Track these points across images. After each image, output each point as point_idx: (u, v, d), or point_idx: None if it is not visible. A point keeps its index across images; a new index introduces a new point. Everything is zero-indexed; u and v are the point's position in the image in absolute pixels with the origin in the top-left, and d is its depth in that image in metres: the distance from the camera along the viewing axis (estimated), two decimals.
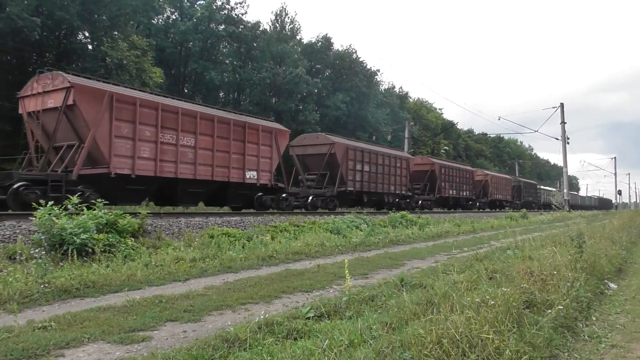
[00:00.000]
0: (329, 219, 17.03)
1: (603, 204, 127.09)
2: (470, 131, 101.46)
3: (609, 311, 6.68)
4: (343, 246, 12.88)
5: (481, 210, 43.45)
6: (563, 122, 46.14)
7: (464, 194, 41.44)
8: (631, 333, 5.63)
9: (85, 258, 8.70)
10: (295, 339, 4.49)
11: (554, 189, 76.30)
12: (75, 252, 8.47)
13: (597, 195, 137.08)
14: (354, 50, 61.75)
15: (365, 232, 15.48)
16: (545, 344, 4.49)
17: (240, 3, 50.12)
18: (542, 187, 72.21)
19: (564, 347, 4.88)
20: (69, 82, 13.82)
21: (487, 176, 48.49)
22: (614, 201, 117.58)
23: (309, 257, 10.96)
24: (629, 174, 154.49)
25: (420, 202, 33.59)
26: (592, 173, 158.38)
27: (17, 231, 9.96)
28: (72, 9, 30.41)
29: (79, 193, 12.17)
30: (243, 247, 11.23)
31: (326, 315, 5.33)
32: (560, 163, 48.92)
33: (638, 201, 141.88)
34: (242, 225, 14.48)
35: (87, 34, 35.45)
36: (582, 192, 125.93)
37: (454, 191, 39.22)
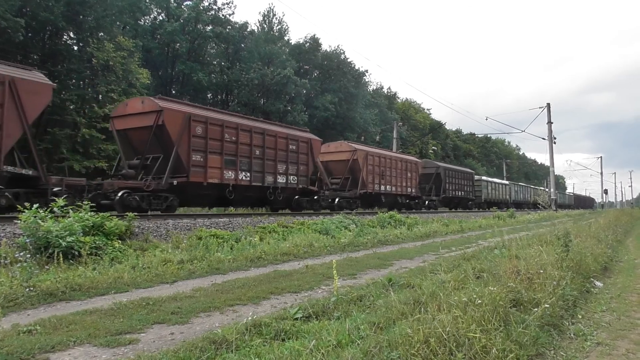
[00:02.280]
0: (318, 220, 17.03)
1: (581, 202, 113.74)
2: (458, 131, 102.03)
3: (594, 309, 6.74)
4: (332, 247, 12.88)
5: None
6: (550, 122, 46.59)
7: (284, 180, 21.90)
8: (616, 330, 5.68)
9: (71, 261, 8.62)
10: (283, 339, 4.48)
11: (505, 182, 64.10)
12: (61, 255, 8.40)
13: (573, 192, 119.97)
14: (342, 51, 61.89)
15: (354, 233, 15.49)
16: (531, 342, 4.52)
17: (228, 4, 50.01)
18: (484, 178, 55.95)
19: (550, 345, 4.91)
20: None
21: (354, 153, 27.75)
22: (598, 200, 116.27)
23: (298, 258, 10.94)
24: (614, 173, 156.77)
25: (120, 194, 15.70)
26: (579, 173, 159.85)
27: (2, 234, 9.84)
28: (56, 10, 30.10)
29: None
30: (231, 249, 11.20)
31: (314, 316, 5.33)
32: (548, 163, 49.34)
33: (624, 200, 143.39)
34: (230, 226, 14.43)
35: (72, 35, 35.12)
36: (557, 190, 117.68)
37: (245, 175, 19.63)
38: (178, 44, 44.83)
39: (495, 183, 57.26)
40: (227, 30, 48.82)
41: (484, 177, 55.84)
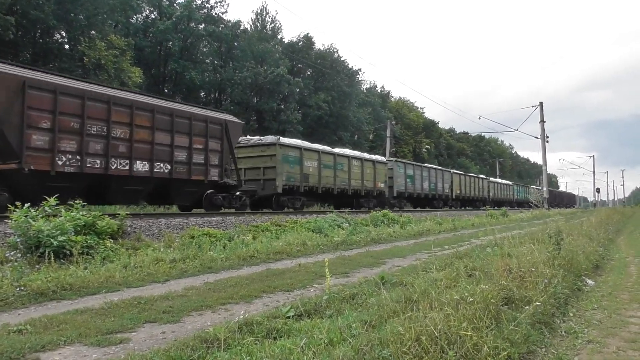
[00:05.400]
0: (311, 219, 17.03)
1: (556, 199, 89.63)
2: (451, 130, 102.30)
3: (586, 307, 6.76)
4: (325, 245, 12.88)
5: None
6: (542, 121, 46.82)
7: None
8: (607, 328, 5.70)
9: (62, 260, 8.56)
10: (275, 338, 4.48)
11: (379, 158, 32.27)
12: (52, 254, 8.33)
13: (545, 187, 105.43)
14: (335, 50, 61.96)
15: (347, 231, 15.48)
16: (522, 340, 4.53)
17: (220, 2, 49.94)
18: (291, 141, 24.55)
19: (542, 342, 4.92)
20: None
21: None
22: (591, 199, 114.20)
23: (291, 257, 10.93)
24: (607, 172, 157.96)
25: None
26: (572, 171, 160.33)
27: None
28: (47, 8, 29.95)
29: None
30: (224, 247, 11.16)
31: (306, 314, 5.33)
32: (540, 161, 49.50)
33: (616, 199, 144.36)
34: (223, 225, 14.38)
35: (63, 34, 34.95)
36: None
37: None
38: (170, 43, 44.66)
39: (336, 156, 26.80)
40: (220, 28, 48.73)
41: (286, 140, 24.28)
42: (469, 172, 58.01)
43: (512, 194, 63.18)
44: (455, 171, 46.40)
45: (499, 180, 62.52)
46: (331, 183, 25.79)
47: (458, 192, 44.21)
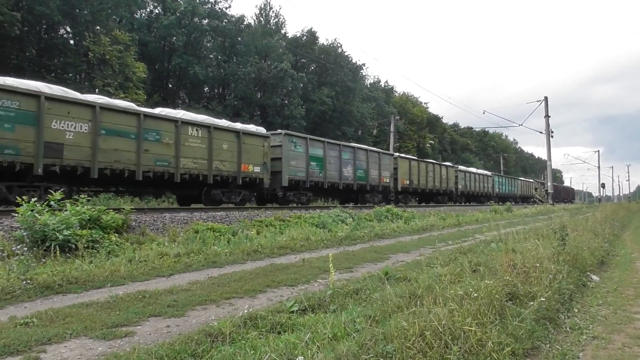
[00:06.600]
0: (315, 214, 17.03)
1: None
2: (455, 125, 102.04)
3: (591, 303, 6.75)
4: (328, 240, 12.90)
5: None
6: (547, 116, 46.63)
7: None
8: (612, 324, 5.69)
9: (68, 254, 8.61)
10: (279, 332, 4.49)
11: (251, 129, 20.47)
12: (58, 248, 8.38)
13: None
14: (339, 45, 61.82)
15: (350, 226, 15.49)
16: (527, 336, 4.53)
17: None
18: (50, 93, 13.12)
19: (546, 338, 4.92)
20: None
21: None
22: (596, 194, 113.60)
23: (295, 252, 10.95)
24: (612, 167, 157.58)
25: None
26: (576, 166, 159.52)
27: None
28: (52, 4, 29.99)
29: None
30: (228, 242, 11.19)
31: (310, 309, 5.33)
32: (545, 156, 49.28)
33: (621, 194, 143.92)
34: (227, 220, 14.42)
35: (68, 29, 34.98)
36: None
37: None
38: (174, 38, 44.66)
39: (144, 117, 15.54)
40: (224, 23, 48.66)
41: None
42: (471, 167, 51.56)
43: (492, 186, 52.29)
44: (402, 155, 35.85)
45: (473, 169, 51.54)
46: (130, 162, 15.19)
47: (407, 182, 33.58)
